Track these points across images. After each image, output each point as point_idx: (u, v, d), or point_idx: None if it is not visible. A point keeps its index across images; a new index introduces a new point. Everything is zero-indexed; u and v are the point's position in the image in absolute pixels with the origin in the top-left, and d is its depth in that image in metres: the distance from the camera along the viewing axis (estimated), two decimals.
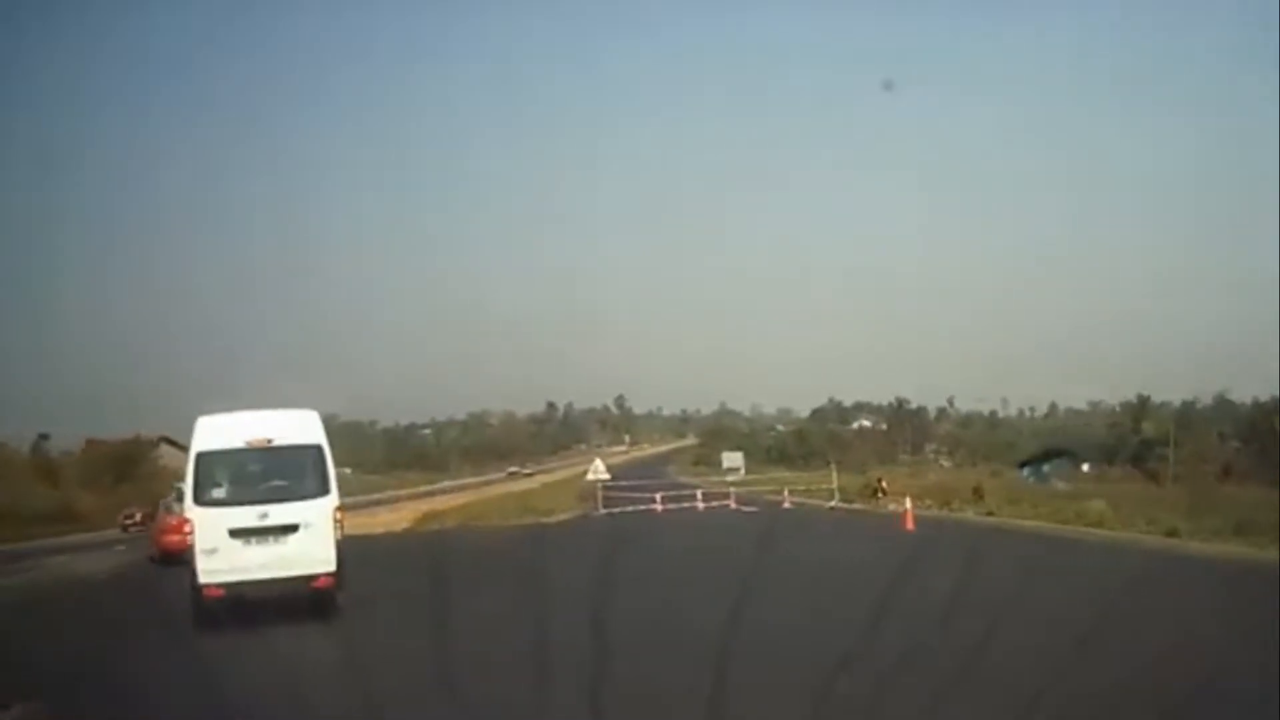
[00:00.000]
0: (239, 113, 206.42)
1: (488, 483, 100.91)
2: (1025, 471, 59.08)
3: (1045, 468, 60.53)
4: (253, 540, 14.47)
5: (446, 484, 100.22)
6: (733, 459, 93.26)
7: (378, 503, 67.29)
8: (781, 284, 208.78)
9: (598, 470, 49.10)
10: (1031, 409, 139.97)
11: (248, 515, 14.55)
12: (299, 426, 15.15)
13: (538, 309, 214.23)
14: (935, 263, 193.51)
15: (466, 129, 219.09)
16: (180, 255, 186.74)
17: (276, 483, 15.03)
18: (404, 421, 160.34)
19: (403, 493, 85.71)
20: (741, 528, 33.92)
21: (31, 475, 42.72)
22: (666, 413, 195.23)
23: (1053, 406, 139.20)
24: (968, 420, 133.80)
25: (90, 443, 60.95)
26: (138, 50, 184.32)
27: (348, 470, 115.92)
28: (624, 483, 50.57)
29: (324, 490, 14.98)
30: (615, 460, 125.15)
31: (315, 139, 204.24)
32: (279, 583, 14.28)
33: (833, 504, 46.69)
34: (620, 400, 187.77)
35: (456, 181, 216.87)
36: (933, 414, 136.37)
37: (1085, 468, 65.51)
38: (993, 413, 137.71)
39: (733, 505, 45.04)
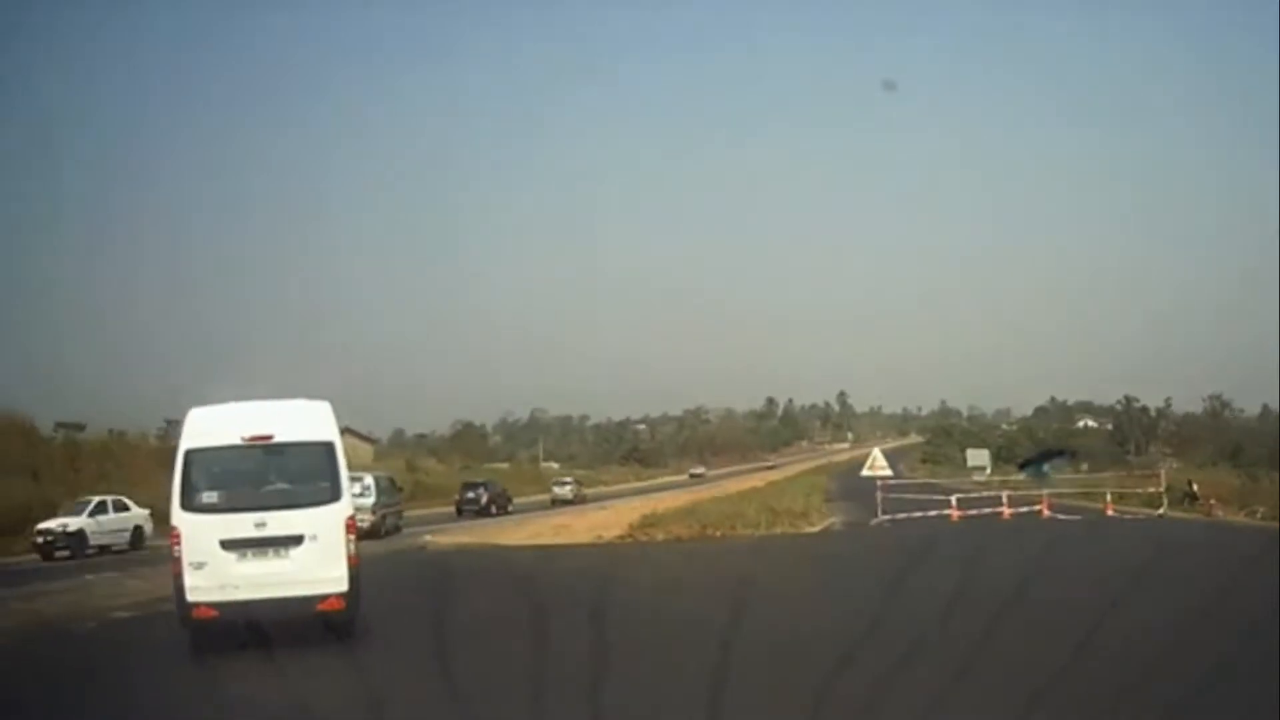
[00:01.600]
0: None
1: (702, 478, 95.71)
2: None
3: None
4: (249, 553, 12.43)
5: (660, 480, 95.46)
6: (978, 457, 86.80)
7: (585, 499, 61.94)
8: (1001, 286, 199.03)
9: (877, 461, 38.66)
10: (1242, 409, 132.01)
11: (243, 524, 12.48)
12: (307, 420, 13.17)
13: (759, 305, 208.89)
14: (1147, 266, 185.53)
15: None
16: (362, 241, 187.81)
17: (278, 486, 13.08)
18: (617, 418, 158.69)
19: (619, 487, 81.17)
20: (1117, 553, 23.28)
21: (156, 465, 36.80)
22: (887, 411, 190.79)
23: (1264, 408, 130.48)
24: (1184, 420, 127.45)
25: None
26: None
27: (555, 464, 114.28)
28: (906, 481, 42.65)
29: (335, 496, 12.87)
30: (840, 458, 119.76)
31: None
32: (278, 604, 12.09)
33: (1161, 511, 39.93)
34: (842, 397, 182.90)
35: (663, 178, 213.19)
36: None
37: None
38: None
39: (1046, 513, 37.92)
